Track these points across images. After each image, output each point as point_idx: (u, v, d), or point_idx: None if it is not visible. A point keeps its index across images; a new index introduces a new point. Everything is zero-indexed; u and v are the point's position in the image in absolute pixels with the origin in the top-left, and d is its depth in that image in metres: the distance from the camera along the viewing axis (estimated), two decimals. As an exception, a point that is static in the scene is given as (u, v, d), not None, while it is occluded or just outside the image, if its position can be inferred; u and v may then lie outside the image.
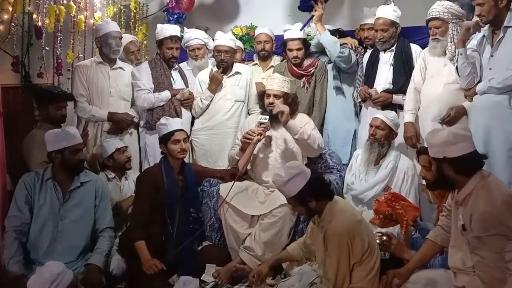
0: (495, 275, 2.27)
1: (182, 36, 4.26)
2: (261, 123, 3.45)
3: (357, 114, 4.09)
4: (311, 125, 3.63)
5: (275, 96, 3.56)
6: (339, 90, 4.12)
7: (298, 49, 4.06)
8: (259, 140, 3.43)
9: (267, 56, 4.47)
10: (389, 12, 3.80)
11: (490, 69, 3.13)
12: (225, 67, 4.11)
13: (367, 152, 3.51)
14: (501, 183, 2.43)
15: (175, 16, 4.89)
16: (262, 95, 3.68)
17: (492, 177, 2.41)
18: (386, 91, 3.83)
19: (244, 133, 3.52)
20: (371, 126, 3.53)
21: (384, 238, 2.82)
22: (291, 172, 2.68)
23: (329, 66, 4.20)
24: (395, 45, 3.85)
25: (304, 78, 4.13)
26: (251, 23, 4.98)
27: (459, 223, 2.41)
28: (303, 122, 3.60)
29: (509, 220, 2.26)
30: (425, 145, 3.14)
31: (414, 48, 3.86)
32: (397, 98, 3.81)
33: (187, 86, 4.20)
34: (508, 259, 2.27)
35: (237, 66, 4.22)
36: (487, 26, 3.16)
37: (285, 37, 4.13)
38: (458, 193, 2.43)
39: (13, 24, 4.37)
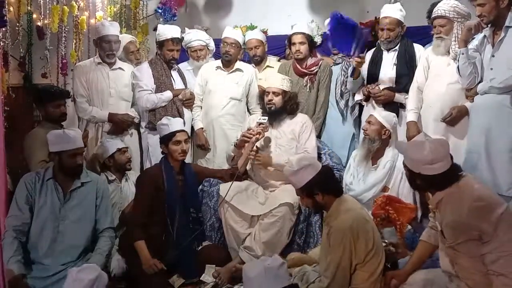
0: (479, 280, 2.28)
1: (183, 38, 4.27)
2: (260, 123, 3.46)
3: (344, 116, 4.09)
4: (307, 133, 3.58)
5: (274, 93, 3.57)
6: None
7: (301, 43, 4.06)
8: (257, 140, 3.43)
9: (260, 60, 4.49)
10: (395, 12, 3.79)
11: (491, 69, 3.12)
12: (228, 60, 4.14)
13: (360, 149, 3.54)
14: (473, 186, 2.36)
15: (167, 14, 4.91)
16: (262, 94, 3.69)
17: (465, 180, 2.37)
18: (389, 89, 3.82)
19: (243, 131, 3.52)
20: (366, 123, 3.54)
21: (389, 247, 2.83)
22: (301, 163, 2.73)
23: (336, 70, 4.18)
24: (398, 45, 3.84)
25: (307, 77, 4.12)
26: (251, 23, 4.99)
27: (438, 228, 2.42)
28: (301, 122, 3.60)
29: (479, 224, 2.24)
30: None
31: (418, 47, 3.85)
32: (399, 96, 3.80)
33: (186, 86, 4.20)
34: (489, 261, 2.27)
35: (239, 64, 4.24)
36: (487, 26, 3.15)
37: (291, 31, 4.14)
38: (431, 198, 2.44)
39: (17, 24, 4.38)
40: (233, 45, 4.14)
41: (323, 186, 2.69)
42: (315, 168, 2.72)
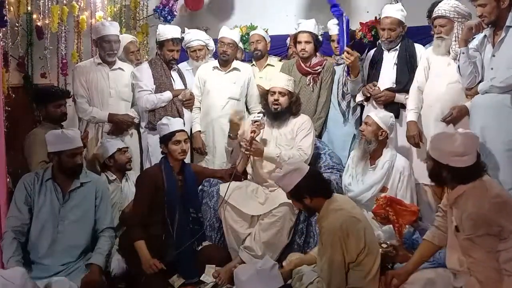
0: (491, 275, 2.27)
1: (183, 38, 4.26)
2: (255, 121, 3.45)
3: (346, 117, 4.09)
4: (304, 132, 3.57)
5: (280, 93, 3.56)
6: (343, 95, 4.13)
7: (307, 42, 4.05)
8: (253, 138, 3.41)
9: (261, 55, 4.52)
10: (396, 12, 3.79)
11: (492, 68, 3.12)
12: (226, 60, 4.14)
13: (356, 150, 3.54)
14: (494, 183, 2.41)
15: (166, 15, 4.90)
16: (265, 94, 3.67)
17: (487, 177, 2.40)
18: (389, 89, 3.82)
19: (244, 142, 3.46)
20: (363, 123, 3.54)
21: (390, 249, 2.83)
22: (287, 168, 2.73)
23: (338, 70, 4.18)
24: (399, 45, 3.84)
25: (310, 76, 4.11)
26: (251, 23, 5.00)
27: (452, 224, 2.41)
28: (301, 122, 3.61)
29: (499, 220, 2.25)
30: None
31: (418, 47, 3.86)
32: (399, 97, 3.80)
33: (186, 86, 4.20)
34: (503, 260, 2.27)
35: (236, 63, 4.24)
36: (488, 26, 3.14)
37: (297, 29, 4.14)
38: (449, 193, 2.43)
39: (17, 24, 4.38)
40: (230, 45, 4.14)
41: (311, 189, 2.68)
42: (301, 172, 2.70)
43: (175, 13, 5.01)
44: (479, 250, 2.28)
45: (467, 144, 2.32)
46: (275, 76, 3.74)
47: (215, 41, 4.40)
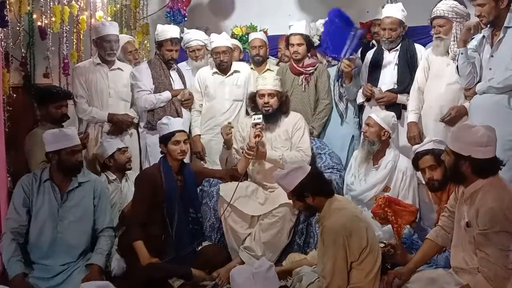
0: (500, 273, 2.27)
1: (182, 38, 4.26)
2: (256, 124, 3.42)
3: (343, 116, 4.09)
4: (300, 131, 3.59)
5: (269, 95, 3.56)
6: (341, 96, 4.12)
7: (299, 44, 4.05)
8: (257, 143, 3.39)
9: (262, 61, 4.51)
10: (397, 12, 3.79)
11: (490, 69, 3.13)
12: (225, 68, 4.13)
13: (360, 150, 3.55)
14: (509, 183, 2.44)
15: (177, 16, 4.90)
16: (253, 96, 3.66)
17: (501, 177, 2.43)
18: (391, 91, 3.82)
19: (246, 148, 3.45)
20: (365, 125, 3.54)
21: (388, 248, 2.84)
22: (290, 166, 2.74)
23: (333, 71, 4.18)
24: (399, 45, 3.84)
25: (302, 76, 4.11)
26: (251, 23, 5.01)
27: (463, 220, 2.41)
28: (294, 121, 3.61)
29: None
30: (421, 149, 3.14)
31: (419, 48, 3.86)
32: (401, 98, 3.80)
33: (185, 86, 4.21)
34: None
35: (235, 65, 4.23)
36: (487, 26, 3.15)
37: (289, 32, 4.13)
38: (465, 188, 2.43)
39: (18, 25, 4.39)
40: (226, 52, 4.09)
41: (313, 188, 2.68)
42: (304, 171, 2.71)
43: (183, 12, 5.01)
44: (492, 246, 2.28)
45: (489, 135, 2.35)
46: (262, 78, 3.72)
47: None
